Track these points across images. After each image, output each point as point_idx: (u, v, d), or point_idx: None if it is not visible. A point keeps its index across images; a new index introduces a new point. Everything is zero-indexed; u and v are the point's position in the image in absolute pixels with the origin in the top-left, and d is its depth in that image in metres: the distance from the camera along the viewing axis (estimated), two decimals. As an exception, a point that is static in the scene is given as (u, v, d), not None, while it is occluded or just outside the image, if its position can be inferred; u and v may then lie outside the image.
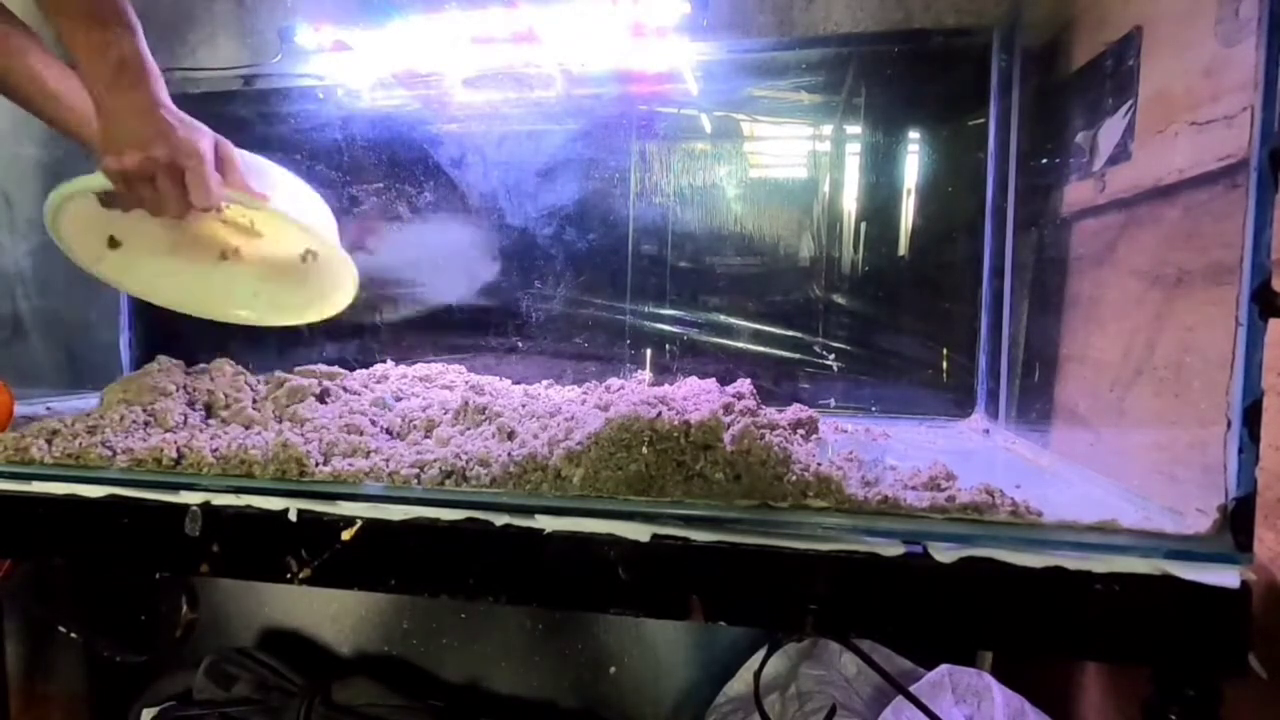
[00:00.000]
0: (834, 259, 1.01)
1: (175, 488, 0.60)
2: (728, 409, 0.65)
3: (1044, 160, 0.86)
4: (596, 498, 0.55)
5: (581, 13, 0.93)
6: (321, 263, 0.86)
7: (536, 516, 0.54)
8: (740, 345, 1.04)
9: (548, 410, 0.71)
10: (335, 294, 0.85)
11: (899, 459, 0.68)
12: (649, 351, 1.06)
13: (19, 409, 0.77)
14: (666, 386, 0.82)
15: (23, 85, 0.79)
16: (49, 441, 0.66)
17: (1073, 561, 0.47)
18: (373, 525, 0.56)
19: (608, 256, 1.06)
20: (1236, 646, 0.45)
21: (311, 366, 0.90)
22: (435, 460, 0.60)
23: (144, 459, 0.62)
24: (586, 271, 1.07)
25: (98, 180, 0.69)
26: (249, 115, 1.13)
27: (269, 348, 1.06)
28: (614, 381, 0.89)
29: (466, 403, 0.73)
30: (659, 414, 0.57)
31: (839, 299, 1.01)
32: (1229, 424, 0.45)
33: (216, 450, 0.63)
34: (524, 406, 0.74)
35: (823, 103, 1.00)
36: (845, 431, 0.85)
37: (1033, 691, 0.80)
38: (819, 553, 0.50)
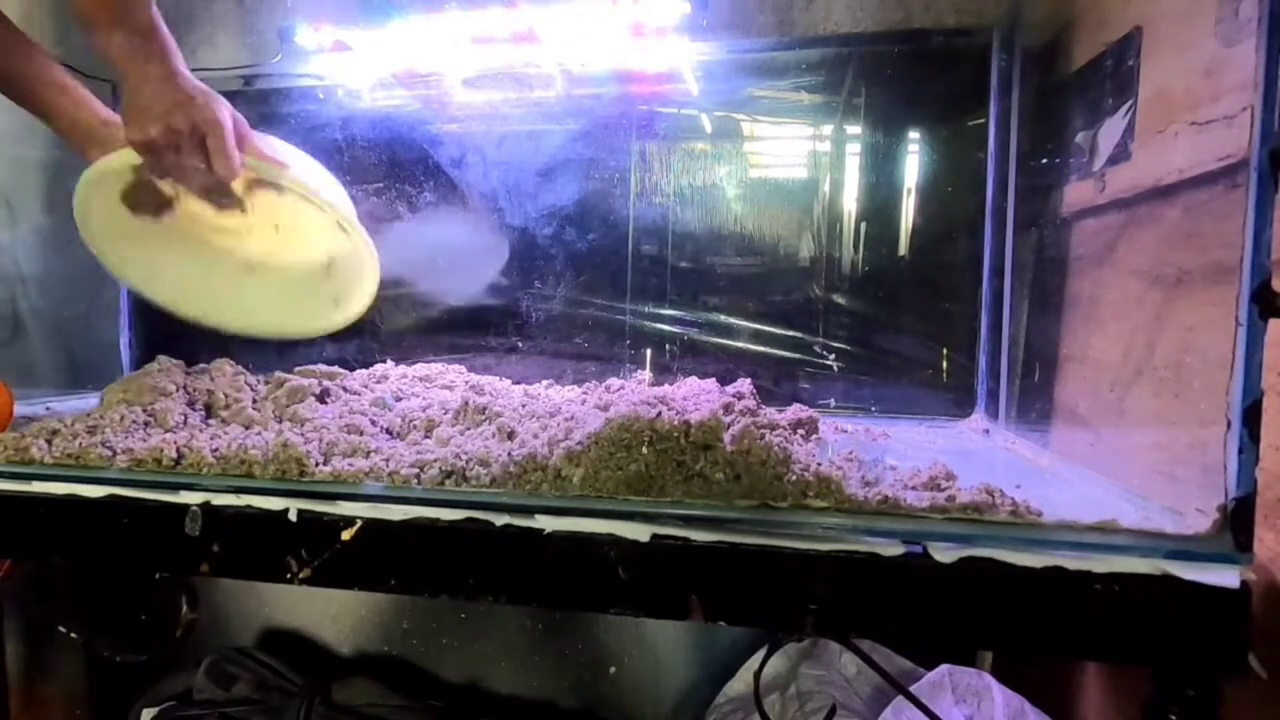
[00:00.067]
0: (834, 259, 1.01)
1: (175, 488, 0.60)
2: (728, 409, 0.65)
3: (1044, 160, 0.86)
4: (596, 498, 0.55)
5: (581, 13, 0.93)
6: (341, 263, 0.86)
7: (536, 516, 0.54)
8: (740, 345, 1.04)
9: (548, 410, 0.71)
10: (357, 292, 0.85)
11: (899, 459, 0.68)
12: (649, 351, 1.06)
13: (19, 409, 0.77)
14: (666, 386, 0.82)
15: (19, 84, 0.79)
16: (49, 441, 0.66)
17: (1073, 561, 0.47)
18: (373, 525, 0.56)
19: (608, 256, 1.06)
20: (1236, 646, 0.45)
21: (311, 366, 0.90)
22: (435, 460, 0.60)
23: (144, 459, 0.62)
24: (586, 271, 1.07)
25: (121, 158, 0.70)
26: (249, 115, 1.10)
27: (269, 348, 1.06)
28: (614, 381, 0.89)
29: (466, 403, 0.73)
30: (659, 414, 0.57)
31: (839, 299, 1.01)
32: (1229, 424, 0.45)
33: (216, 450, 0.63)
34: (524, 406, 0.74)
35: (823, 103, 1.00)
36: (845, 431, 0.85)
37: (1033, 691, 0.80)
38: (819, 553, 0.50)
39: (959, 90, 0.94)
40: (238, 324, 0.87)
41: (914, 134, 0.98)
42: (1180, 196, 0.62)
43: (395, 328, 1.13)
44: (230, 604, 1.22)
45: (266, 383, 0.83)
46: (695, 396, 0.72)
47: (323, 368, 0.89)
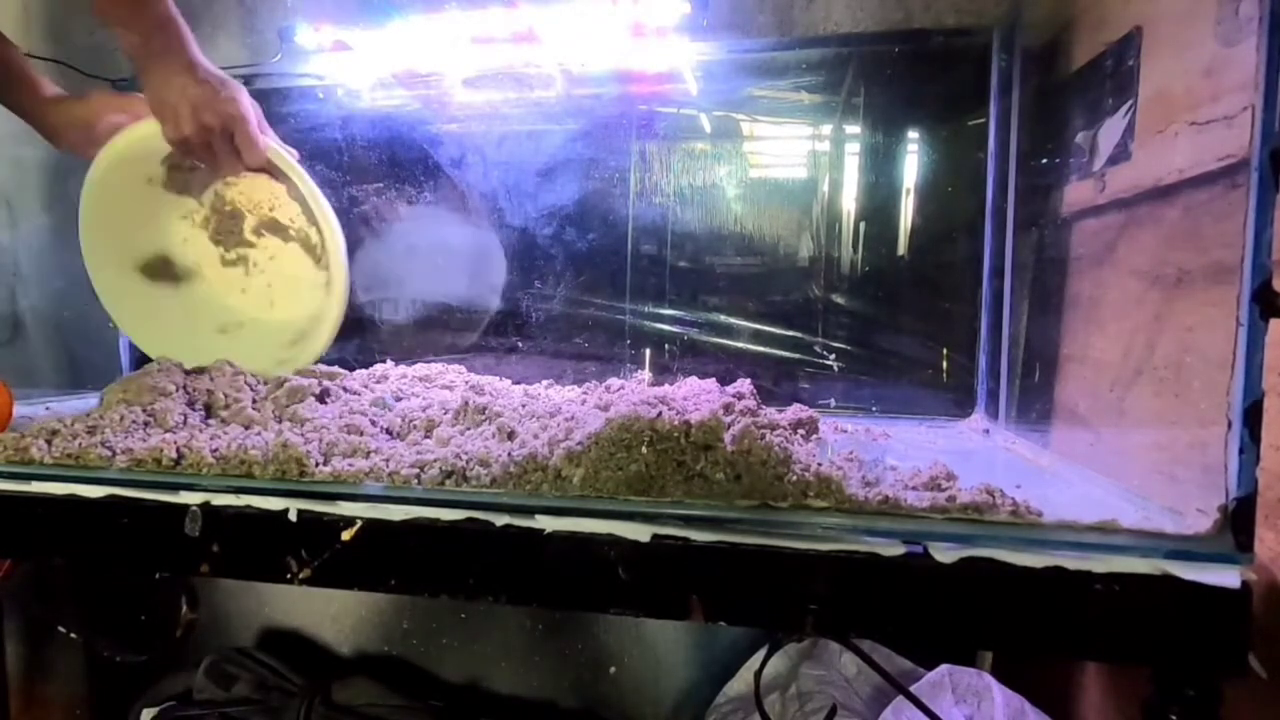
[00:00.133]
0: (834, 259, 1.01)
1: (175, 488, 0.60)
2: (728, 409, 0.65)
3: (1044, 160, 0.86)
4: (596, 498, 0.55)
5: (581, 13, 0.93)
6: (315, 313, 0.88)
7: (536, 516, 0.54)
8: (740, 345, 1.04)
9: (548, 410, 0.71)
10: (316, 334, 0.88)
11: (899, 459, 0.68)
12: (649, 351, 1.06)
13: (19, 409, 0.77)
14: (666, 386, 0.81)
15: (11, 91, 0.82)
16: (49, 441, 0.66)
17: (1073, 561, 0.47)
18: (373, 525, 0.56)
19: (608, 256, 1.06)
20: (1236, 646, 0.45)
21: (311, 366, 0.90)
22: (435, 460, 0.60)
23: (144, 459, 0.62)
24: (586, 271, 1.07)
25: (124, 141, 0.75)
26: (249, 115, 1.13)
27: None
28: (614, 381, 0.89)
29: (466, 403, 0.73)
30: (659, 414, 0.57)
31: (839, 299, 1.01)
32: (1229, 424, 0.45)
33: (216, 450, 0.63)
34: (524, 406, 0.74)
35: (822, 103, 1.00)
36: (845, 431, 0.85)
37: (1033, 691, 0.80)
38: (819, 553, 0.50)
39: (959, 90, 0.94)
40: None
41: (914, 134, 0.98)
42: (1180, 196, 0.62)
43: (395, 327, 1.14)
44: (230, 604, 1.22)
45: (266, 383, 0.83)
46: (695, 396, 0.72)
47: (322, 368, 0.89)
